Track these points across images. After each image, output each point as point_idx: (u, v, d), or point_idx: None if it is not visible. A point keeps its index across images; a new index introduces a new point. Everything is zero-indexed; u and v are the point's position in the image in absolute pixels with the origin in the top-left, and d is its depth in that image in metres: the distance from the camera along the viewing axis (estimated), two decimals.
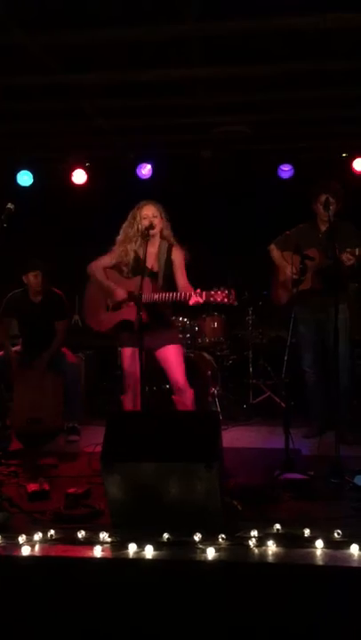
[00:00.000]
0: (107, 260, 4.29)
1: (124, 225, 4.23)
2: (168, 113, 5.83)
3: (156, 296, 3.97)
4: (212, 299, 3.82)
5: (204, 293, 3.83)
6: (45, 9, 3.96)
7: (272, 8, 3.89)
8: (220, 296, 3.80)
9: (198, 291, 3.86)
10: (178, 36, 4.32)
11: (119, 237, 4.24)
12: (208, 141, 6.52)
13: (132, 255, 4.16)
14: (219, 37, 4.37)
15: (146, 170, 6.75)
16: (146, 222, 4.09)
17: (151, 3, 3.91)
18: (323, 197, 4.51)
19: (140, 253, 4.04)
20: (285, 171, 6.64)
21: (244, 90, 5.29)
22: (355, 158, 6.42)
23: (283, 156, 6.65)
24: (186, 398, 4.18)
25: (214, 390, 5.74)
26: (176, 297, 3.94)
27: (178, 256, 4.20)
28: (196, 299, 3.84)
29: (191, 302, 3.87)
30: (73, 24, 4.12)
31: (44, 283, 5.24)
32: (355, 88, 5.22)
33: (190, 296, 3.86)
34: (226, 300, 3.80)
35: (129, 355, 4.18)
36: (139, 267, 4.03)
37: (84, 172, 6.87)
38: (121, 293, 4.16)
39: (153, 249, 4.18)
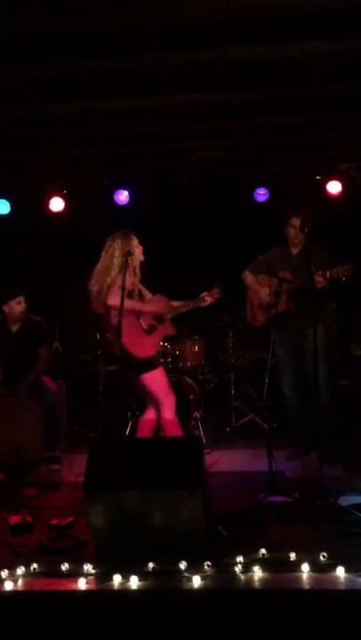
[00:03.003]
0: (119, 291, 4.10)
1: (109, 256, 4.20)
2: (143, 140, 5.90)
3: (182, 308, 4.43)
4: (218, 297, 4.44)
5: (212, 293, 4.43)
6: (19, 40, 4.01)
7: (241, 37, 3.99)
8: (215, 295, 4.44)
9: (206, 293, 4.42)
10: (149, 65, 4.39)
11: (116, 267, 4.16)
12: (184, 167, 6.59)
13: (122, 281, 4.12)
14: (189, 66, 4.45)
15: (123, 196, 6.80)
16: (138, 252, 4.24)
17: (121, 33, 3.98)
18: (295, 220, 4.61)
19: (128, 282, 4.07)
20: (261, 194, 6.73)
21: (218, 116, 5.38)
22: (329, 181, 6.53)
23: (258, 180, 6.74)
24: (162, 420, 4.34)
25: (197, 414, 5.73)
26: (193, 303, 4.44)
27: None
28: (210, 299, 4.43)
29: (209, 302, 4.43)
30: (47, 55, 4.18)
31: (24, 311, 5.21)
32: (327, 113, 5.33)
33: (204, 298, 4.43)
34: (220, 295, 4.45)
35: (164, 373, 4.38)
36: (140, 292, 4.32)
37: (61, 200, 6.89)
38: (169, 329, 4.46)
39: (137, 277, 4.33)
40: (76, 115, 5.27)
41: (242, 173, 6.75)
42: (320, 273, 4.31)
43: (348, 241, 5.67)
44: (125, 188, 6.79)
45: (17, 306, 5.17)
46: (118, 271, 4.15)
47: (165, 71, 4.51)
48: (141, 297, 4.33)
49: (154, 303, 4.35)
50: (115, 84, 4.72)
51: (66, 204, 6.88)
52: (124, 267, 4.05)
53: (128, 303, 4.13)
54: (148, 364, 4.19)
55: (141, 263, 4.28)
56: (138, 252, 4.24)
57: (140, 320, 4.27)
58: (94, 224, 6.24)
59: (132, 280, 4.19)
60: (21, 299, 5.16)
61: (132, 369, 4.20)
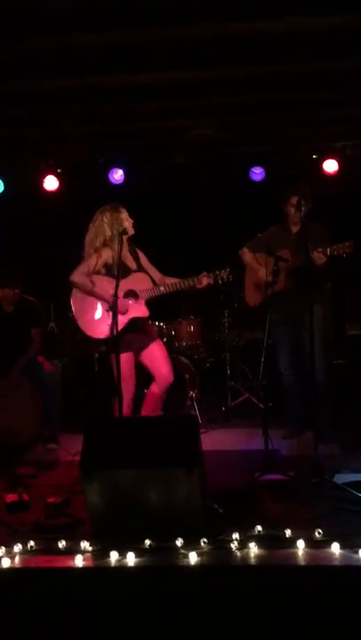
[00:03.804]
0: (91, 266, 4.23)
1: (96, 229, 4.22)
2: (137, 118, 5.82)
3: (162, 288, 4.13)
4: (218, 278, 4.03)
5: (211, 275, 4.03)
6: (11, 14, 3.93)
7: (235, 13, 3.92)
8: (225, 274, 4.03)
9: (204, 273, 4.04)
10: (143, 40, 4.32)
11: (97, 242, 4.21)
12: (180, 146, 6.52)
13: (114, 257, 4.15)
14: (183, 41, 4.38)
15: (118, 175, 6.73)
16: (127, 225, 4.17)
17: (115, 7, 3.90)
18: (294, 199, 4.58)
19: (107, 255, 4.15)
20: (257, 173, 6.67)
21: (213, 93, 5.30)
22: (325, 160, 6.48)
23: (254, 158, 6.69)
24: (164, 394, 4.28)
25: (192, 394, 5.74)
26: (184, 284, 4.10)
27: (142, 255, 4.38)
28: (207, 280, 4.05)
29: (204, 284, 4.06)
30: (39, 30, 4.10)
31: (17, 295, 5.18)
32: (323, 90, 5.27)
33: (200, 279, 4.05)
34: (231, 276, 4.04)
35: (127, 359, 4.22)
36: (123, 267, 4.11)
37: (55, 179, 6.82)
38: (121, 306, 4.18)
39: (125, 250, 4.24)
40: (69, 91, 5.19)
41: (238, 152, 6.68)
42: (320, 250, 4.29)
43: (345, 220, 5.64)
44: (120, 167, 6.72)
45: (9, 291, 5.14)
46: (101, 246, 4.16)
47: (160, 47, 4.44)
48: (127, 272, 4.22)
49: (127, 283, 4.17)
50: (109, 60, 4.64)
51: (60, 183, 6.81)
52: (119, 245, 4.03)
53: (88, 284, 4.17)
54: (110, 346, 4.12)
55: (132, 237, 4.23)
56: (128, 226, 4.19)
57: (100, 302, 4.22)
58: (89, 203, 6.19)
59: (111, 254, 4.16)
60: (7, 290, 5.12)
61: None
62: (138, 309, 4.21)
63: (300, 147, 6.67)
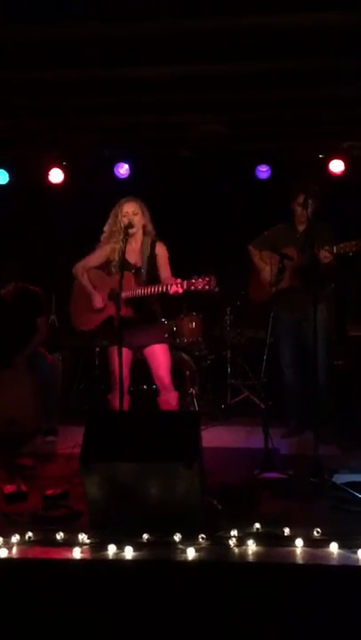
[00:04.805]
0: (92, 260, 4.27)
1: (108, 222, 4.21)
2: (144, 111, 5.80)
3: (139, 290, 3.98)
4: (192, 287, 3.77)
5: (185, 282, 3.80)
6: (18, 4, 3.91)
7: (245, 7, 3.90)
8: (200, 284, 3.76)
9: (179, 280, 3.83)
10: (152, 33, 4.30)
11: (104, 235, 4.23)
12: (186, 141, 6.50)
13: (117, 253, 4.14)
14: (192, 35, 4.35)
15: (123, 169, 6.71)
16: (125, 220, 4.08)
17: (125, 1, 3.89)
18: (301, 197, 4.56)
19: (122, 251, 4.04)
20: (263, 171, 6.66)
21: (220, 89, 5.29)
22: (331, 159, 6.46)
23: (260, 156, 6.67)
24: (171, 398, 4.20)
25: (192, 391, 5.73)
26: (157, 289, 3.94)
27: (161, 251, 4.22)
28: (175, 288, 3.81)
29: (171, 291, 3.84)
30: (47, 20, 4.08)
31: (18, 288, 5.19)
32: (331, 88, 5.25)
33: (170, 286, 3.83)
34: (207, 287, 3.75)
35: (117, 353, 4.13)
36: (122, 263, 4.04)
37: (60, 171, 6.80)
38: (98, 302, 4.18)
39: (136, 245, 4.19)
40: (75, 83, 5.17)
41: (244, 150, 6.66)
42: (327, 248, 4.27)
43: (351, 220, 5.63)
44: (126, 161, 6.70)
45: (13, 285, 5.17)
46: (106, 239, 4.18)
47: (169, 40, 4.41)
48: (126, 269, 4.06)
49: (114, 281, 4.05)
50: (116, 52, 4.62)
51: (65, 176, 6.80)
52: (125, 239, 4.02)
53: (84, 278, 4.23)
54: (98, 338, 4.12)
55: (127, 228, 4.07)
56: (125, 221, 4.10)
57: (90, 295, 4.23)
58: (94, 196, 6.18)
59: (114, 249, 4.15)
60: (12, 284, 5.15)
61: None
62: (113, 309, 4.08)
63: (306, 146, 6.64)
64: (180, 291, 3.81)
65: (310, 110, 5.77)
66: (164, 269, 4.19)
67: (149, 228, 4.24)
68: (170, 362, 4.26)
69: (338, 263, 4.39)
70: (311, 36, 4.36)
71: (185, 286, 3.78)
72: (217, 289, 3.79)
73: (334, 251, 4.28)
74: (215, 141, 6.38)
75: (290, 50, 4.56)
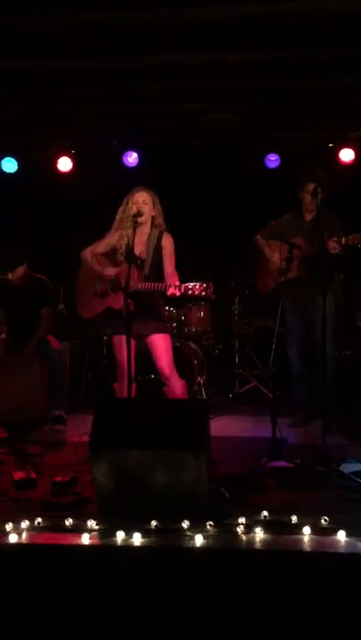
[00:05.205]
0: (100, 246, 4.27)
1: (118, 210, 4.21)
2: (154, 100, 5.77)
3: (140, 285, 3.99)
4: (189, 292, 3.81)
5: (182, 286, 3.83)
6: None
7: None
8: (197, 289, 3.80)
9: (177, 284, 3.86)
10: (163, 20, 4.27)
11: (115, 223, 4.23)
12: (195, 130, 6.47)
13: (124, 241, 4.14)
14: (204, 23, 4.32)
15: (132, 158, 6.70)
16: (135, 208, 4.08)
17: None
18: (310, 186, 4.54)
19: (130, 239, 4.04)
20: (272, 160, 6.63)
21: (230, 77, 5.25)
22: (341, 148, 6.42)
23: (270, 145, 6.63)
24: (174, 387, 4.20)
25: (200, 380, 5.74)
26: (156, 287, 3.96)
27: (168, 243, 4.20)
28: (172, 290, 3.85)
29: (169, 294, 3.90)
30: (57, 7, 4.06)
31: (27, 274, 5.19)
32: (342, 78, 5.21)
33: (168, 288, 3.88)
34: (203, 293, 3.79)
35: (121, 342, 4.11)
36: (129, 253, 4.03)
37: (69, 160, 6.79)
38: (111, 270, 4.16)
39: (143, 236, 4.18)
40: (84, 71, 5.14)
41: (253, 138, 6.63)
42: (335, 239, 4.26)
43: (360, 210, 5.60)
44: (135, 150, 6.69)
45: (20, 269, 5.16)
46: (115, 228, 4.18)
47: (176, 28, 4.38)
48: (132, 259, 4.07)
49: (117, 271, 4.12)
50: (125, 41, 4.59)
51: (74, 165, 6.79)
52: (133, 228, 4.02)
53: (92, 261, 4.24)
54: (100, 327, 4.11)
55: (135, 216, 4.06)
56: (135, 210, 4.08)
57: (97, 282, 4.25)
58: (102, 185, 6.17)
59: (121, 238, 4.15)
60: (22, 268, 5.15)
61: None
62: (113, 301, 4.16)
63: (316, 135, 6.60)
64: (178, 294, 3.86)
65: (320, 99, 5.72)
66: (169, 263, 4.18)
67: (159, 220, 4.22)
68: (171, 352, 4.26)
69: (346, 254, 4.37)
70: (321, 25, 4.31)
71: (182, 290, 3.82)
72: (213, 296, 3.85)
73: (343, 242, 4.27)
74: (224, 130, 6.35)
75: (301, 38, 4.52)
